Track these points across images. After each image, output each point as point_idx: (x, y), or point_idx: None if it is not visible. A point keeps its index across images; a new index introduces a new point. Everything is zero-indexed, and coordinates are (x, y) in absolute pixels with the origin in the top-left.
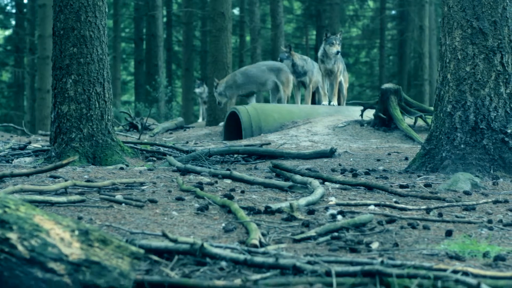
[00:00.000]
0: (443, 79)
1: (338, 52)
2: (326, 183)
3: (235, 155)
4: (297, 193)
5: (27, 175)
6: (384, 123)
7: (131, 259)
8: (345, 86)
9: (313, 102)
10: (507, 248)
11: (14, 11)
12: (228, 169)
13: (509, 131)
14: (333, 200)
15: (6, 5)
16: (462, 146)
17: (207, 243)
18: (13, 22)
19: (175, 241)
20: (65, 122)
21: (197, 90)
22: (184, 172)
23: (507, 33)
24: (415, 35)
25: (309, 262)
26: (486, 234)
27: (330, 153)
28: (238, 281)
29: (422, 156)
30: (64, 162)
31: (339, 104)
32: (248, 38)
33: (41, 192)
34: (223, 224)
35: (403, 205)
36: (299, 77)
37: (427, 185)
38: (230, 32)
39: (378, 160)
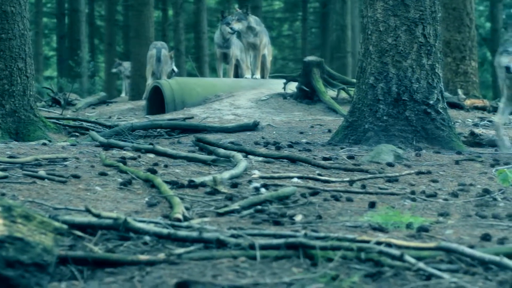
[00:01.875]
0: (365, 51)
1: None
2: (250, 156)
3: (158, 130)
4: (220, 167)
5: None
6: (307, 95)
7: (54, 234)
8: (269, 59)
9: (236, 75)
10: (430, 219)
11: None
12: (151, 144)
13: (431, 102)
14: (256, 173)
15: None
16: (384, 117)
17: (130, 217)
18: None
19: (98, 216)
20: None
21: (113, 70)
22: (107, 147)
23: (429, 4)
24: (338, 7)
25: (232, 236)
26: (409, 205)
27: (253, 126)
28: (161, 255)
29: (345, 128)
30: None
31: (262, 77)
32: (170, 12)
33: None
34: (147, 199)
35: (326, 178)
36: (222, 49)
37: (350, 157)
38: (152, 6)
39: (301, 132)
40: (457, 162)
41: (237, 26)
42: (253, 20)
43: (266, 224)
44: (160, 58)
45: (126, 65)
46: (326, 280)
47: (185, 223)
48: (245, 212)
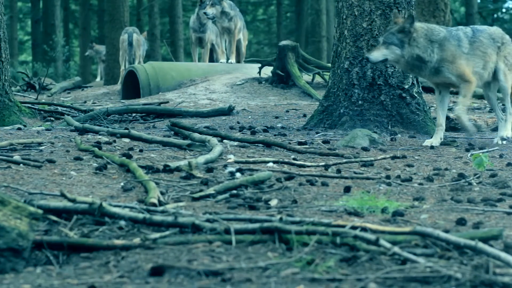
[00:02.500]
0: (340, 35)
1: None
2: (225, 141)
3: (134, 114)
4: (195, 152)
5: None
6: (282, 80)
7: (29, 219)
8: (244, 44)
9: (211, 59)
10: (405, 203)
11: None
12: (126, 128)
13: (406, 86)
14: (231, 158)
15: None
16: (360, 102)
17: (105, 202)
18: None
19: (73, 201)
20: None
21: (86, 54)
22: (82, 131)
23: None
24: None
25: (208, 220)
26: (385, 190)
27: (228, 111)
28: (137, 240)
29: (320, 112)
30: None
31: (237, 62)
32: None
33: None
34: (122, 183)
35: (301, 162)
36: (197, 33)
37: (325, 142)
38: None
39: (277, 117)
40: (432, 147)
41: (211, 11)
42: (227, 5)
43: (242, 208)
44: (131, 43)
45: (101, 48)
46: (302, 264)
47: (161, 208)
48: (220, 197)
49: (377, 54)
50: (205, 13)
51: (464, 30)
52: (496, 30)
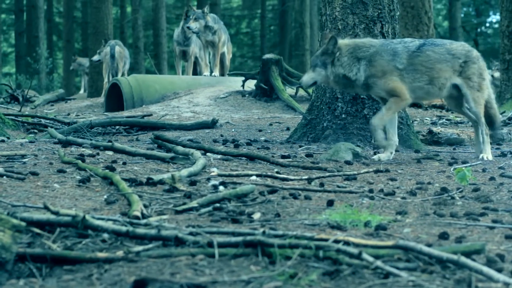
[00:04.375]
0: None
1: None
2: (208, 154)
3: (117, 127)
4: (179, 164)
5: None
6: (266, 93)
7: (12, 232)
8: (228, 57)
9: (195, 72)
10: (388, 217)
11: None
12: (109, 141)
13: None
14: (215, 171)
15: None
16: (343, 116)
17: (89, 215)
18: None
19: (56, 213)
20: None
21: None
22: (65, 144)
23: (387, 2)
24: (296, 5)
25: (191, 233)
26: (368, 204)
27: (211, 124)
28: (120, 253)
29: (304, 126)
30: None
31: (221, 74)
32: (129, 9)
33: None
34: (105, 196)
35: (284, 176)
36: (181, 47)
37: (308, 155)
38: (110, 3)
39: (260, 130)
40: (415, 161)
41: (194, 25)
42: (210, 18)
43: (225, 222)
44: (114, 55)
45: (84, 61)
46: (284, 278)
47: (144, 221)
48: (203, 210)
49: (307, 78)
50: (188, 27)
51: (409, 44)
52: (460, 46)
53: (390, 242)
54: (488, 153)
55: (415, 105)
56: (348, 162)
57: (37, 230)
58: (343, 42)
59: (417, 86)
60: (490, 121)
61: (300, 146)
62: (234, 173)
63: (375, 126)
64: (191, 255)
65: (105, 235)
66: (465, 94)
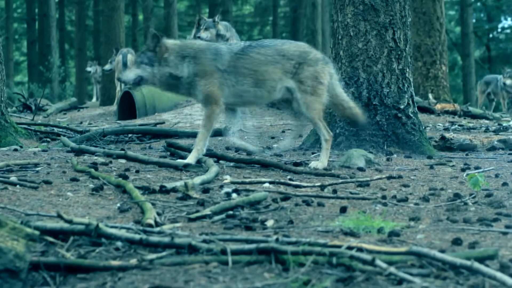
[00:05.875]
0: (335, 55)
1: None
2: (221, 161)
3: (130, 135)
4: (192, 172)
5: None
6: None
7: (26, 240)
8: None
9: None
10: (401, 223)
11: None
12: (122, 149)
13: (402, 107)
14: (228, 179)
15: None
16: None
17: (102, 223)
18: None
19: (70, 222)
20: None
21: (88, 69)
22: (78, 152)
23: (399, 9)
24: (308, 12)
25: (204, 241)
26: (381, 210)
27: (224, 131)
28: (133, 261)
29: (316, 133)
30: None
31: None
32: (141, 17)
33: None
34: (118, 204)
35: (297, 182)
36: None
37: None
38: (122, 11)
39: (273, 137)
40: (428, 167)
41: (205, 34)
42: (222, 27)
43: (238, 229)
44: (126, 63)
45: (98, 69)
46: (298, 285)
47: (157, 229)
48: (216, 218)
49: (129, 74)
50: (199, 37)
51: (233, 46)
52: (293, 46)
53: (403, 248)
54: (321, 161)
55: (427, 110)
56: (360, 169)
57: (50, 239)
58: (171, 41)
59: (242, 90)
60: (353, 120)
61: (313, 153)
62: (247, 180)
63: (198, 137)
64: (204, 263)
65: (119, 243)
66: (295, 98)
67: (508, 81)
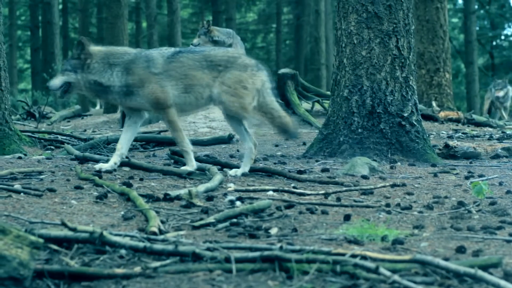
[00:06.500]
0: (339, 63)
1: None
2: (225, 169)
3: (133, 143)
4: (196, 180)
5: None
6: None
7: (30, 248)
8: None
9: None
10: (405, 231)
11: None
12: (126, 157)
13: (405, 114)
14: (232, 186)
15: None
16: (359, 130)
17: (106, 231)
18: None
19: (74, 230)
20: None
21: None
22: (82, 160)
23: (402, 16)
24: (311, 19)
25: (208, 249)
26: (384, 218)
27: (228, 139)
28: (138, 269)
29: (320, 141)
30: None
31: None
32: (144, 24)
33: None
34: (122, 212)
35: (301, 190)
36: None
37: (325, 170)
38: (126, 18)
39: (276, 145)
40: (432, 175)
41: (196, 41)
42: (219, 33)
43: (242, 237)
44: None
45: None
46: None
47: (161, 237)
48: (220, 225)
49: (56, 81)
50: (192, 44)
51: (164, 51)
52: (222, 52)
53: (407, 256)
54: (242, 168)
55: (430, 118)
56: (364, 177)
57: (54, 247)
58: (96, 48)
59: (175, 95)
60: (284, 129)
61: (317, 161)
62: (251, 188)
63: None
64: (208, 271)
65: (123, 251)
66: (220, 102)
67: (500, 93)
